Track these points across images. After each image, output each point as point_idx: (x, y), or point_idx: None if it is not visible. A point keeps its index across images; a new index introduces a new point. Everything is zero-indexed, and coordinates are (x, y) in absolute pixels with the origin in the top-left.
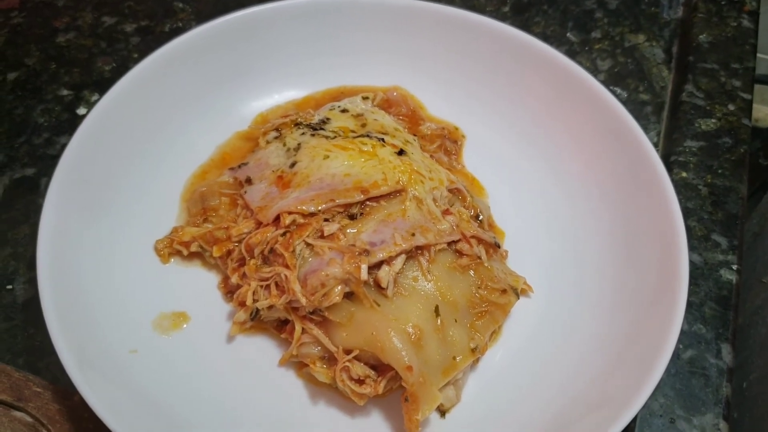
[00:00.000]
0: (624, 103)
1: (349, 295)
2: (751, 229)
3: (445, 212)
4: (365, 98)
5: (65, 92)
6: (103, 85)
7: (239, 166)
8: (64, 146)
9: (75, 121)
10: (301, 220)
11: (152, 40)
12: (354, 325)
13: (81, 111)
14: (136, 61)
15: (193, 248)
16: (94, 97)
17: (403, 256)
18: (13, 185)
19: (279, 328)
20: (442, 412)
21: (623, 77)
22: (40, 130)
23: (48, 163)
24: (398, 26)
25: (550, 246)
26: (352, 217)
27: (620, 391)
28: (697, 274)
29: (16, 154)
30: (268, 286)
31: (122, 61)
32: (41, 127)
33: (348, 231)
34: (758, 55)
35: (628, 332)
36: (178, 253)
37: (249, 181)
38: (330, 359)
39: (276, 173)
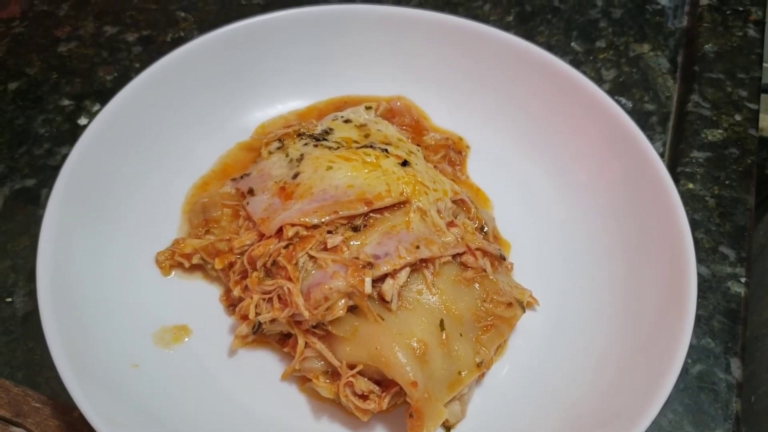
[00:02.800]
0: (629, 113)
1: (352, 309)
2: (758, 241)
3: (450, 224)
4: (368, 108)
5: (66, 102)
6: (104, 95)
7: (241, 177)
8: (65, 157)
9: (76, 132)
10: (304, 233)
11: (154, 49)
12: (358, 339)
13: (82, 121)
14: (138, 70)
15: (195, 260)
16: (96, 108)
17: (408, 269)
18: (13, 196)
19: (282, 341)
20: (448, 428)
21: (628, 87)
22: (41, 141)
23: (49, 174)
24: (402, 36)
25: (556, 258)
26: (355, 229)
27: (628, 406)
28: (705, 287)
29: (16, 165)
30: (270, 299)
31: (124, 71)
32: (42, 137)
33: (351, 243)
34: (765, 65)
35: (635, 347)
36: (180, 265)
37: (251, 192)
38: (333, 374)
39: (278, 184)
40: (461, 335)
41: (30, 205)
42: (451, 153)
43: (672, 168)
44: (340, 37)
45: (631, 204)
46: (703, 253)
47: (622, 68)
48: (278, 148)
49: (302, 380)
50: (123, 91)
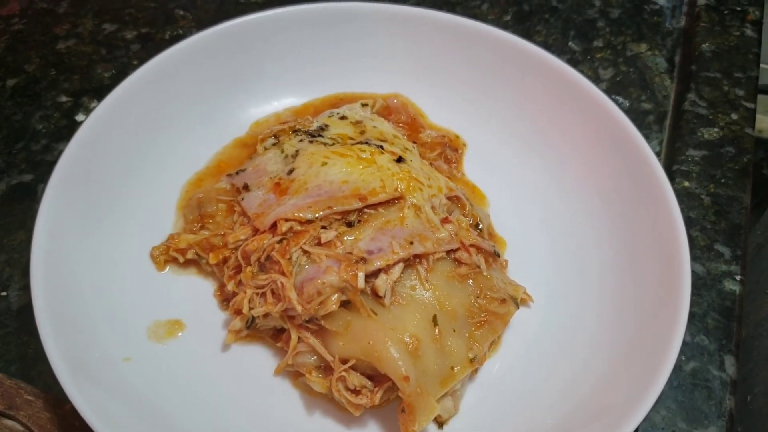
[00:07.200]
0: (626, 112)
1: (345, 304)
2: (755, 241)
3: (444, 220)
4: (364, 105)
5: (64, 99)
6: (102, 92)
7: (237, 173)
8: (62, 153)
9: (74, 128)
10: (298, 228)
11: (153, 47)
12: (350, 334)
13: (80, 118)
14: (136, 68)
15: (189, 255)
16: (93, 104)
17: (401, 264)
18: (10, 191)
19: (275, 336)
20: (440, 423)
21: (625, 86)
22: (39, 137)
23: (46, 170)
24: (399, 33)
25: (551, 255)
26: (349, 225)
27: (621, 403)
28: (699, 285)
29: (13, 160)
30: (264, 294)
31: (122, 68)
32: (40, 133)
33: (345, 238)
34: (762, 65)
35: (629, 343)
36: (174, 260)
37: (246, 187)
38: (326, 369)
39: (273, 180)
40: (454, 331)
41: (27, 200)
42: (447, 150)
43: (668, 166)
44: (337, 35)
45: (626, 202)
46: (698, 251)
47: (620, 67)
48: (273, 144)
49: (295, 375)
50: (119, 87)
